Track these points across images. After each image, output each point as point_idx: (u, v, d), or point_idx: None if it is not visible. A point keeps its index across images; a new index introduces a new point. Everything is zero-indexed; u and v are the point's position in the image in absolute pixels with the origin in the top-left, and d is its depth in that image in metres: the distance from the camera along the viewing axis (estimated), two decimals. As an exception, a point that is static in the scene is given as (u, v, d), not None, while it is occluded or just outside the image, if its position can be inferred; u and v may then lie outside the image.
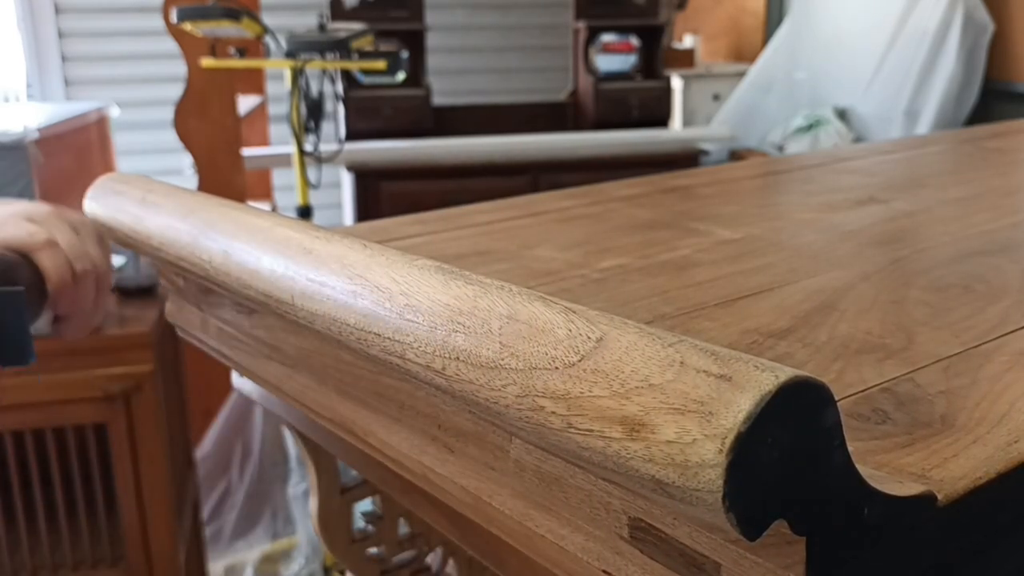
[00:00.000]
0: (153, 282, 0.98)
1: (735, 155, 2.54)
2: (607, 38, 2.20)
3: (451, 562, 0.49)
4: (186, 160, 1.65)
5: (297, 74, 1.39)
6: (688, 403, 0.18)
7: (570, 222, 0.52)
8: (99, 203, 0.41)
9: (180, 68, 1.59)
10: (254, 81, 2.17)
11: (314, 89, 1.44)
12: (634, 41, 2.21)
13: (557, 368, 0.20)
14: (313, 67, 1.42)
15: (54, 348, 0.83)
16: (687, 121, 2.80)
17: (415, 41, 2.11)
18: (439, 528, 0.36)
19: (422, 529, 0.50)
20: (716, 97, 2.83)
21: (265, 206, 2.09)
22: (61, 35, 2.53)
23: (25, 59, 2.54)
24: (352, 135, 1.93)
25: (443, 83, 2.45)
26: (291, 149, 1.48)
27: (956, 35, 2.25)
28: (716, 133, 2.34)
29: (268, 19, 1.50)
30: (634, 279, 0.40)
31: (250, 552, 1.32)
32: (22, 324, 0.36)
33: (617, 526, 0.24)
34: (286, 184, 2.11)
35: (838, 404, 0.18)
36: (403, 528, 0.51)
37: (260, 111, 2.25)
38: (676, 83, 2.67)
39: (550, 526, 0.26)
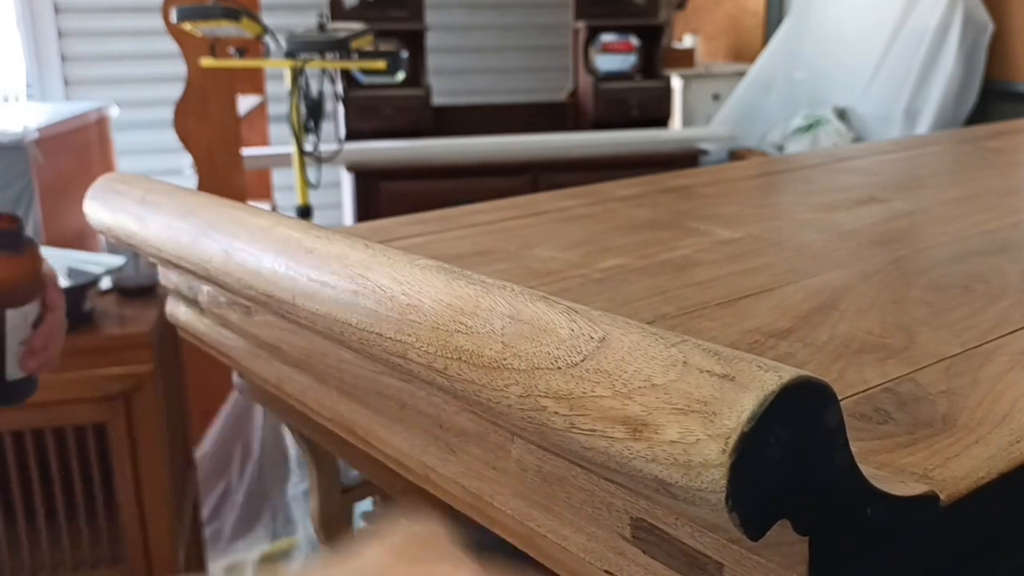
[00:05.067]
0: (153, 282, 0.98)
1: (735, 155, 2.54)
2: (607, 38, 2.20)
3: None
4: (186, 160, 1.65)
5: (297, 74, 1.39)
6: (691, 403, 0.18)
7: (570, 222, 0.52)
8: (99, 203, 0.41)
9: (180, 68, 1.59)
10: (254, 81, 2.17)
11: (314, 89, 1.43)
12: (634, 41, 2.21)
13: (560, 368, 0.20)
14: (313, 67, 1.42)
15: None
16: (687, 121, 2.80)
17: (415, 41, 2.11)
18: (440, 528, 0.36)
19: (423, 529, 0.50)
20: (716, 97, 2.83)
21: (265, 206, 2.08)
22: (61, 35, 2.53)
23: (25, 59, 2.53)
24: (352, 135, 1.93)
25: (443, 83, 2.45)
26: (291, 149, 1.48)
27: (956, 35, 2.25)
28: (716, 133, 2.34)
29: (268, 19, 1.50)
30: (634, 279, 0.40)
31: (250, 552, 1.32)
32: None
33: (619, 526, 0.24)
34: (286, 184, 2.11)
35: (840, 404, 0.18)
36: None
37: (260, 111, 2.25)
38: (676, 83, 2.67)
39: (552, 526, 0.26)
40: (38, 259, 0.41)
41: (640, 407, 0.19)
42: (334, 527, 0.48)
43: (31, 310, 0.40)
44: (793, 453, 0.18)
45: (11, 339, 0.40)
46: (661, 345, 0.20)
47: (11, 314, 0.39)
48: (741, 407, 0.17)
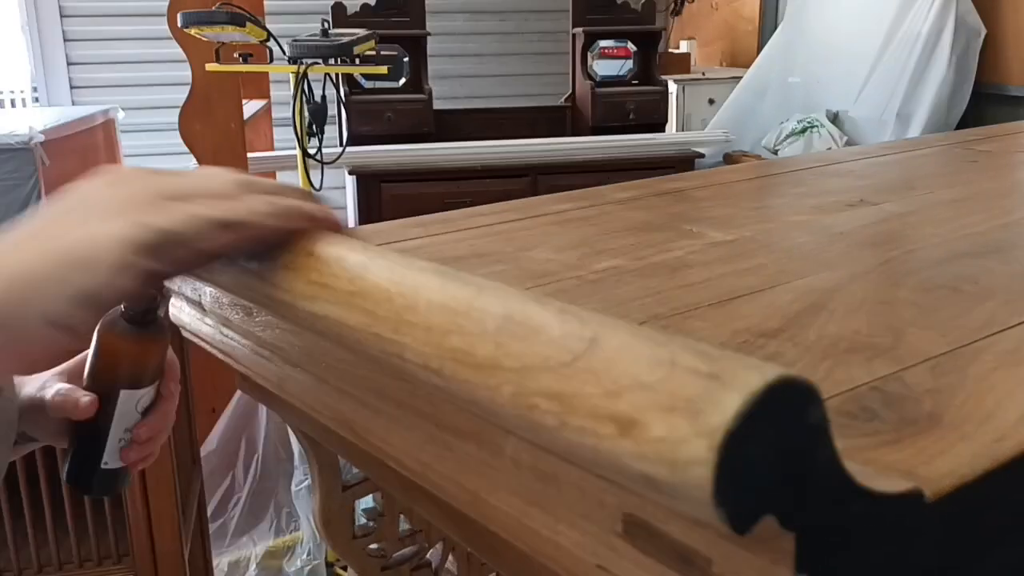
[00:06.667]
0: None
1: (729, 158, 2.55)
2: (604, 44, 2.21)
3: (451, 558, 0.49)
4: (191, 163, 1.66)
5: (300, 79, 1.40)
6: (678, 401, 0.19)
7: (567, 224, 0.52)
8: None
9: (185, 72, 1.60)
10: (258, 85, 2.18)
11: (317, 93, 1.44)
12: (631, 47, 2.22)
13: (551, 368, 0.21)
14: (316, 72, 1.43)
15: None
16: (683, 125, 2.81)
17: (416, 46, 2.12)
18: (438, 524, 0.36)
19: (422, 525, 0.51)
20: (711, 101, 2.83)
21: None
22: (66, 39, 2.55)
23: (31, 63, 2.55)
24: (354, 139, 1.94)
25: (444, 87, 2.46)
26: (295, 152, 1.49)
27: (948, 39, 2.26)
28: (711, 137, 2.35)
29: (272, 25, 1.51)
30: (629, 280, 0.41)
31: (254, 548, 1.33)
32: None
33: (611, 522, 0.24)
34: (288, 187, 2.11)
35: (826, 402, 0.19)
36: (404, 524, 0.51)
37: (264, 115, 2.26)
38: (672, 87, 2.68)
39: (545, 522, 0.27)
40: (167, 344, 0.36)
41: (628, 405, 0.19)
42: (336, 523, 0.49)
43: (146, 396, 0.35)
44: (778, 450, 0.18)
45: (117, 424, 0.34)
46: (649, 345, 0.20)
47: (124, 396, 0.34)
48: (726, 405, 0.18)
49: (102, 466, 0.35)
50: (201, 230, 0.26)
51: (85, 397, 0.33)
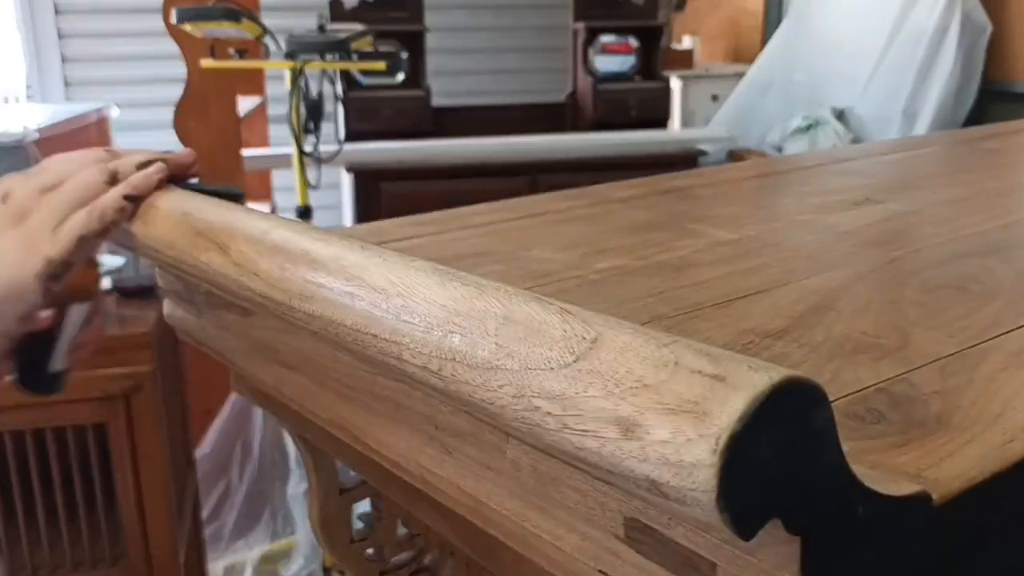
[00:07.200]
0: (153, 282, 0.98)
1: (733, 156, 2.54)
2: (606, 39, 2.21)
3: (449, 562, 0.49)
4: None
5: (297, 75, 1.40)
6: (682, 403, 0.18)
7: (568, 223, 0.52)
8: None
9: (180, 69, 1.59)
10: (254, 82, 2.18)
11: (314, 90, 1.44)
12: (633, 42, 2.22)
13: (552, 369, 0.20)
14: (313, 68, 1.42)
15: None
16: (686, 122, 2.81)
17: (415, 42, 2.11)
18: (437, 529, 0.36)
19: (420, 530, 0.51)
20: (715, 98, 2.83)
21: (265, 207, 2.09)
22: (61, 36, 2.54)
23: (25, 60, 2.54)
24: (352, 136, 1.93)
25: (442, 84, 2.45)
26: (291, 150, 1.48)
27: (954, 36, 2.26)
28: (714, 134, 2.35)
29: (268, 20, 1.50)
30: (631, 280, 0.41)
31: (250, 552, 1.32)
32: None
33: (613, 526, 0.24)
34: (286, 185, 2.11)
35: (833, 404, 0.18)
36: (401, 529, 0.51)
37: (260, 112, 2.25)
38: (675, 84, 2.67)
39: (547, 526, 0.26)
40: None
41: (632, 407, 0.19)
42: (332, 527, 0.48)
43: (86, 309, 0.41)
44: (784, 453, 0.18)
45: (67, 332, 0.40)
46: (653, 345, 0.20)
47: (75, 309, 0.40)
48: (732, 407, 0.18)
49: (51, 370, 0.41)
50: (84, 244, 0.36)
51: (45, 311, 0.39)
